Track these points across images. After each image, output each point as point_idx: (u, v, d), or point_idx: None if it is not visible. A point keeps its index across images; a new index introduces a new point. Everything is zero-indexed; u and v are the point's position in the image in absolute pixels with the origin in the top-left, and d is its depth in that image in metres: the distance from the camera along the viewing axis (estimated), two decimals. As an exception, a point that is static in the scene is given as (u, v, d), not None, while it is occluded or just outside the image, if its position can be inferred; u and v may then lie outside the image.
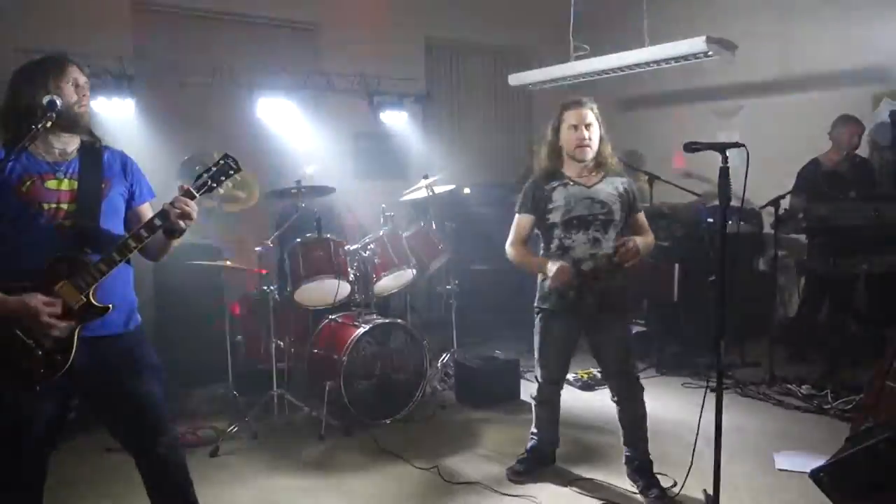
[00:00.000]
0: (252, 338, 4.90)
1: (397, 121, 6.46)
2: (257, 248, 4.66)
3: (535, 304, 3.55)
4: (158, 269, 4.93)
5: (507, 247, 3.50)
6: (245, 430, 4.36)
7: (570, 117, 3.36)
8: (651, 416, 3.57)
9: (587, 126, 3.34)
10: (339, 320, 4.75)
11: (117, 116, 4.99)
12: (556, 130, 3.41)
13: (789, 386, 4.89)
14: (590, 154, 3.36)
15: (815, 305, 5.67)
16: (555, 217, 3.36)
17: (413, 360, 4.72)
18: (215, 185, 2.45)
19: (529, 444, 3.78)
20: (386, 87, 6.29)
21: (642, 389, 3.51)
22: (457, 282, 5.46)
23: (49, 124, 2.32)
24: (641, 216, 3.51)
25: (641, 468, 3.50)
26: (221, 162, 2.45)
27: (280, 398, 4.60)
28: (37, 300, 2.25)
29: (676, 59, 4.47)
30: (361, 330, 4.47)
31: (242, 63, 5.61)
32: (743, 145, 2.81)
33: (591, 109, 3.37)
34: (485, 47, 7.64)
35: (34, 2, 5.01)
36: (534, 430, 3.76)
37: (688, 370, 5.47)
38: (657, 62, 4.60)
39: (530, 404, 4.88)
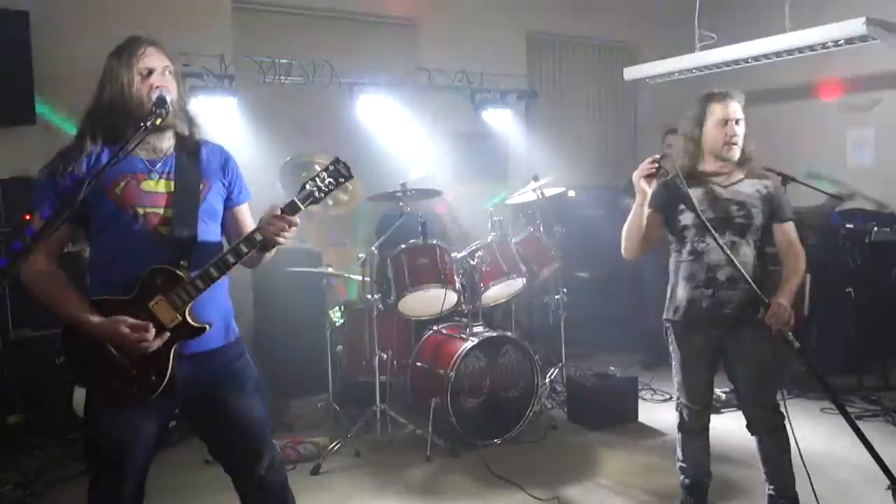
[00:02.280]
0: (353, 348, 4.66)
1: (500, 119, 6.14)
2: (360, 255, 4.44)
3: (665, 317, 3.16)
4: (257, 275, 4.78)
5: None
6: (347, 446, 4.13)
7: (717, 111, 3.01)
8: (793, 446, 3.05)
9: (737, 121, 3.01)
10: (445, 332, 4.46)
11: (217, 116, 4.86)
12: (700, 124, 3.06)
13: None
14: (737, 153, 3.03)
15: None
16: (686, 219, 3.03)
17: (523, 375, 4.38)
18: (323, 194, 2.17)
19: (682, 482, 3.28)
20: (488, 84, 5.98)
21: (783, 419, 3.04)
22: (565, 290, 5.11)
23: (159, 122, 2.10)
24: (789, 228, 3.03)
25: None
26: (331, 168, 2.17)
27: (383, 414, 4.35)
28: (125, 326, 2.06)
29: (826, 44, 3.95)
30: (469, 343, 4.17)
31: (342, 61, 5.40)
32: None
33: (740, 102, 3.04)
34: (589, 41, 7.23)
35: (134, 1, 4.94)
36: (682, 463, 3.26)
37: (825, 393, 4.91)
38: (801, 49, 4.09)
39: (651, 427, 4.56)
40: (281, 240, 2.15)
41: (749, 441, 3.14)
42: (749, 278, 2.76)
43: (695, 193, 2.99)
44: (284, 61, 5.00)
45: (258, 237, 2.14)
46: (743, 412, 3.15)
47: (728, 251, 2.80)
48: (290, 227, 2.14)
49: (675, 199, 3.00)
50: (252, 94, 5.10)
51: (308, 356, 4.74)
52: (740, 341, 3.01)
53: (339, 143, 5.34)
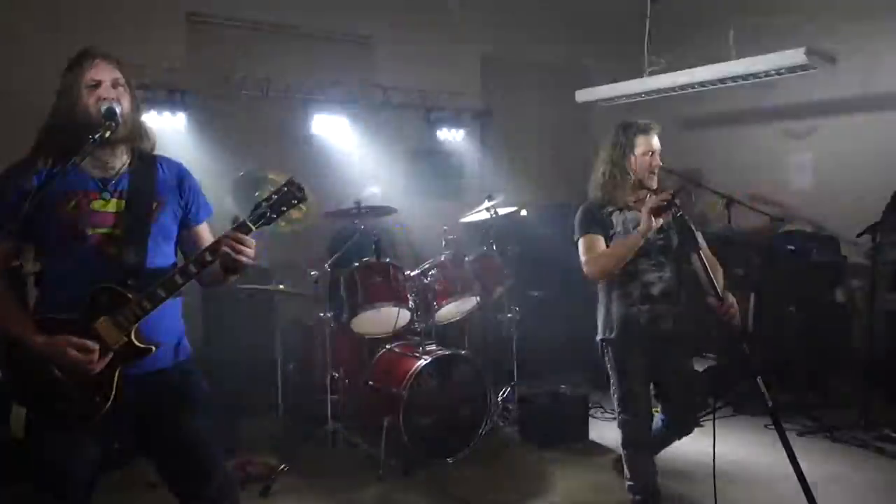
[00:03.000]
0: (304, 367, 4.60)
1: (454, 138, 6.18)
2: (312, 272, 4.39)
3: (600, 337, 3.30)
4: (206, 291, 4.68)
5: (587, 263, 3.16)
6: (298, 467, 4.06)
7: (643, 143, 3.20)
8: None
9: (657, 152, 3.23)
10: (398, 350, 4.44)
11: (169, 131, 4.78)
12: (627, 154, 3.20)
13: (890, 432, 4.45)
14: (656, 181, 3.23)
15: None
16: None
17: (475, 394, 4.39)
18: (275, 216, 2.12)
19: (633, 500, 3.32)
20: (443, 103, 6.02)
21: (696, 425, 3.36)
22: (517, 309, 5.14)
23: (108, 135, 2.06)
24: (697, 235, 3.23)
25: None
26: (284, 189, 2.12)
27: (335, 433, 4.30)
28: (69, 346, 2.01)
29: (769, 72, 4.12)
30: (423, 362, 4.16)
31: (297, 77, 5.38)
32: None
33: (658, 134, 3.26)
34: (542, 63, 7.35)
35: (85, 12, 4.84)
36: (630, 482, 3.31)
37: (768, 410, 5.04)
38: (746, 77, 4.25)
39: (601, 445, 4.61)
40: (243, 259, 2.07)
41: (696, 456, 3.26)
42: (708, 283, 2.89)
43: (619, 219, 3.17)
44: (239, 76, 4.96)
45: (208, 257, 2.09)
46: (670, 417, 3.35)
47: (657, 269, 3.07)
48: (242, 245, 2.07)
49: (606, 224, 3.17)
50: (204, 108, 5.03)
51: (258, 374, 4.66)
52: (673, 353, 3.24)
53: (293, 158, 5.33)
